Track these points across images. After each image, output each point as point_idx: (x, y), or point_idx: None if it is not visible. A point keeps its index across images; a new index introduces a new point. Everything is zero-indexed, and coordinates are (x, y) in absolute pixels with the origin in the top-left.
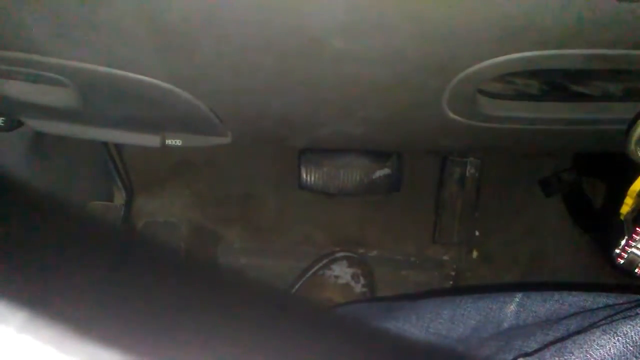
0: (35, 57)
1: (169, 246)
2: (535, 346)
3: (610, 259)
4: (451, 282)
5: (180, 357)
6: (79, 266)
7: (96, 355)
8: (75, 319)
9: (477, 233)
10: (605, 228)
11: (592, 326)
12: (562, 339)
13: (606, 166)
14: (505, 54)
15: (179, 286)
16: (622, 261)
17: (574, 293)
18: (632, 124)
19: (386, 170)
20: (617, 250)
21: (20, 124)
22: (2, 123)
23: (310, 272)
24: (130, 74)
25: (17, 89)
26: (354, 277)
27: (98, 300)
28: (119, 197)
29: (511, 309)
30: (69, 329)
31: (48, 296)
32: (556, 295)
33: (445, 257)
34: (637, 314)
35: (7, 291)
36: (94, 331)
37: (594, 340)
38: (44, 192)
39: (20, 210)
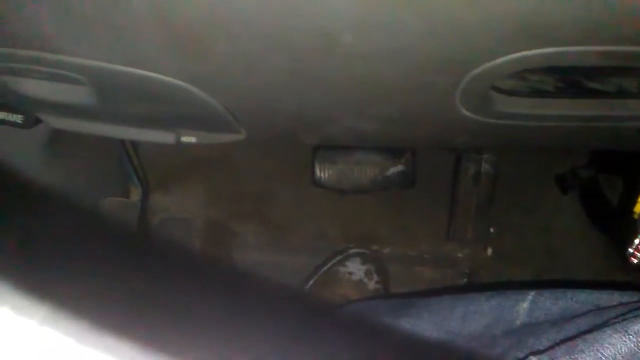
0: (53, 56)
1: (184, 243)
2: (547, 344)
3: (625, 258)
4: (465, 280)
5: (194, 349)
6: (99, 263)
7: (113, 347)
8: (94, 313)
9: (491, 230)
10: (620, 226)
11: (604, 324)
12: (573, 337)
13: (624, 163)
14: (519, 51)
15: (193, 283)
16: (636, 260)
17: (587, 291)
18: None
19: (400, 167)
20: (631, 250)
21: (38, 121)
22: (21, 120)
23: (324, 269)
24: (146, 73)
25: (35, 87)
26: (368, 273)
27: (116, 295)
28: (135, 194)
29: (524, 306)
30: (88, 322)
31: (69, 291)
32: (569, 293)
33: (460, 254)
34: None
35: (31, 287)
36: (111, 324)
37: (605, 339)
38: (63, 189)
39: (41, 208)
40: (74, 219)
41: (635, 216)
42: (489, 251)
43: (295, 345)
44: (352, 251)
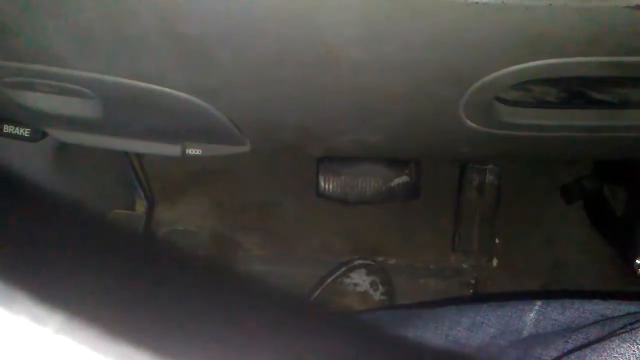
0: (60, 70)
1: (191, 252)
2: (554, 354)
3: (633, 268)
4: (471, 291)
5: (203, 357)
6: (111, 272)
7: (127, 355)
8: (108, 321)
9: (497, 241)
10: (626, 236)
11: (612, 334)
12: (581, 347)
13: (628, 173)
14: (523, 62)
15: (200, 292)
16: None
17: (594, 301)
18: None
19: (405, 178)
20: (638, 261)
21: (44, 134)
22: (28, 134)
23: (329, 280)
24: (152, 86)
25: (43, 101)
26: (373, 285)
27: (129, 304)
28: (141, 206)
29: (531, 317)
30: (103, 330)
31: (83, 300)
32: (576, 303)
33: (465, 265)
34: None
35: (45, 295)
36: (125, 333)
37: (614, 349)
38: (69, 202)
39: (48, 218)
40: (81, 230)
41: None
42: (495, 262)
43: (299, 355)
44: (357, 262)
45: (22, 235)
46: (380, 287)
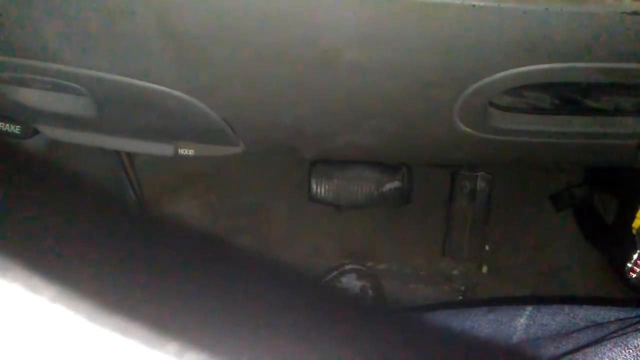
0: (54, 66)
1: (192, 227)
2: (545, 359)
3: (622, 274)
4: (460, 297)
5: (201, 330)
6: (108, 245)
7: (122, 325)
8: (103, 291)
9: (487, 247)
10: (616, 243)
11: (603, 339)
12: (572, 352)
13: (618, 181)
14: (518, 66)
15: (203, 265)
16: (634, 275)
17: (584, 307)
18: None
19: (396, 183)
20: (629, 265)
21: (35, 132)
22: (18, 131)
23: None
24: (146, 84)
25: (34, 97)
26: (363, 289)
27: (125, 275)
28: (131, 207)
29: (521, 322)
30: (98, 300)
31: (79, 270)
32: (567, 309)
33: (455, 271)
34: None
35: (42, 265)
36: (120, 303)
37: (605, 353)
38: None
39: (51, 196)
40: (78, 206)
41: (634, 231)
42: (485, 268)
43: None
44: (347, 267)
45: (18, 211)
46: (370, 292)
